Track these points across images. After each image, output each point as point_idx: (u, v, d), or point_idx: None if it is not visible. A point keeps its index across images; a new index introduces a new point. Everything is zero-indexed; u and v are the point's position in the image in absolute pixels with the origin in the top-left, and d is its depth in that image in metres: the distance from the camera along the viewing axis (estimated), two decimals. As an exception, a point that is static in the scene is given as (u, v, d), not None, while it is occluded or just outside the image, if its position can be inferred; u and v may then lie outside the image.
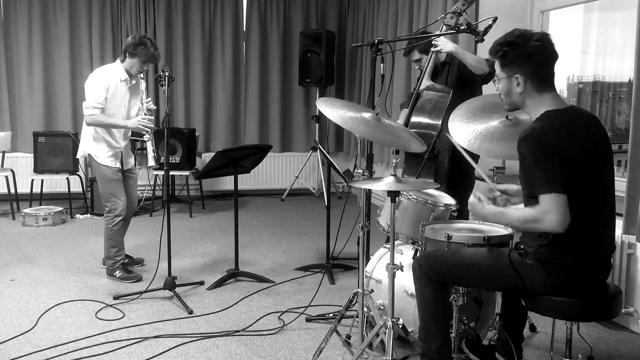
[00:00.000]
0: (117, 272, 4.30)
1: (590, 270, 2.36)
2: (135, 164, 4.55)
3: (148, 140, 4.15)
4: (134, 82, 4.26)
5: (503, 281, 2.46)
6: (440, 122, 3.82)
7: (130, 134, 4.45)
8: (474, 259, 2.54)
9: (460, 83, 3.91)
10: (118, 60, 4.24)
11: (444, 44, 3.82)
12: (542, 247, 2.34)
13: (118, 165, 4.30)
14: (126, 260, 4.43)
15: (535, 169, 2.23)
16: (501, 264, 2.45)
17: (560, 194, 2.20)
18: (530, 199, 2.29)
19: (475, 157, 3.80)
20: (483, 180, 2.73)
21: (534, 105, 2.37)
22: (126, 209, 4.32)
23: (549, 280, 2.34)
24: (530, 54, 2.31)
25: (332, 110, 2.79)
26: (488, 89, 3.96)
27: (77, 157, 4.54)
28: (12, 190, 6.36)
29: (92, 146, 4.26)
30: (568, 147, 2.24)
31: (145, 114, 4.16)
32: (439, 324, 2.58)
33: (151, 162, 4.16)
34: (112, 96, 4.18)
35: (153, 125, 4.16)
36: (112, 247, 4.30)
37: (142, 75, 4.23)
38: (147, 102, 4.19)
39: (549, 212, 2.20)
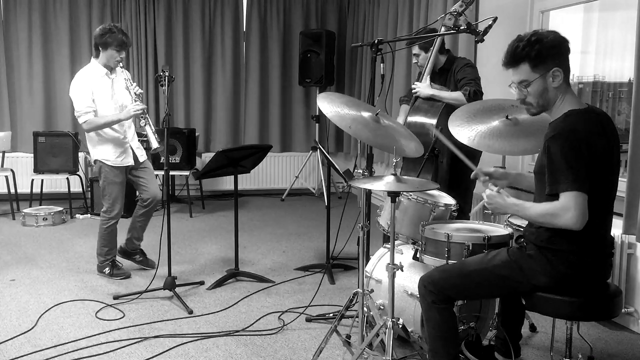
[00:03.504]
0: (107, 269, 4.35)
1: (593, 263, 2.37)
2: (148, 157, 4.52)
3: (145, 125, 4.13)
4: (114, 75, 4.24)
5: (506, 279, 2.44)
6: (435, 121, 3.86)
7: (135, 127, 4.45)
8: (475, 265, 2.52)
9: (457, 88, 3.96)
10: (92, 59, 4.22)
11: (422, 90, 4.00)
12: (545, 234, 2.36)
13: (130, 162, 4.31)
14: (139, 257, 4.49)
15: (562, 167, 2.25)
16: (501, 261, 2.46)
17: (583, 192, 2.24)
18: (548, 196, 2.31)
19: (478, 153, 3.84)
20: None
21: (560, 102, 2.40)
22: (122, 210, 4.35)
23: (549, 267, 2.35)
24: (561, 43, 2.36)
25: (334, 111, 2.79)
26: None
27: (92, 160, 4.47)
28: (12, 190, 6.37)
29: (99, 151, 4.25)
30: (591, 147, 2.28)
31: (135, 100, 4.13)
32: (447, 346, 2.55)
33: (154, 144, 4.08)
34: (99, 95, 4.16)
35: (145, 107, 4.14)
36: (104, 246, 4.35)
37: (121, 65, 4.20)
38: (133, 89, 4.16)
39: (569, 209, 2.23)
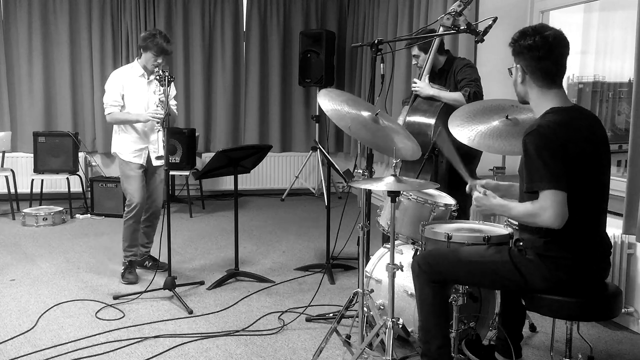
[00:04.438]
0: (123, 268, 4.32)
1: (590, 266, 2.37)
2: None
3: (158, 132, 4.18)
4: (151, 77, 4.28)
5: (504, 278, 2.45)
6: (434, 121, 3.86)
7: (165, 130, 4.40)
8: (473, 257, 2.54)
9: (457, 89, 3.96)
10: (136, 58, 4.33)
11: (423, 89, 4.00)
12: (540, 241, 2.36)
13: (142, 161, 4.33)
14: (149, 263, 4.50)
15: (537, 165, 2.25)
16: (501, 260, 2.46)
17: (560, 190, 2.22)
18: (529, 194, 2.31)
19: (478, 154, 3.84)
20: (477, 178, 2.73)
21: (536, 99, 2.41)
22: (145, 204, 4.34)
23: (548, 274, 2.35)
24: (529, 48, 2.36)
25: (334, 109, 2.79)
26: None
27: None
28: (12, 190, 6.36)
29: (116, 144, 4.34)
30: (571, 145, 2.27)
31: (157, 106, 4.17)
32: (438, 324, 2.58)
33: (160, 152, 4.16)
34: (129, 93, 4.25)
35: (162, 116, 4.12)
36: (124, 240, 4.35)
37: (157, 69, 4.20)
38: (159, 95, 4.16)
39: (547, 208, 2.23)
